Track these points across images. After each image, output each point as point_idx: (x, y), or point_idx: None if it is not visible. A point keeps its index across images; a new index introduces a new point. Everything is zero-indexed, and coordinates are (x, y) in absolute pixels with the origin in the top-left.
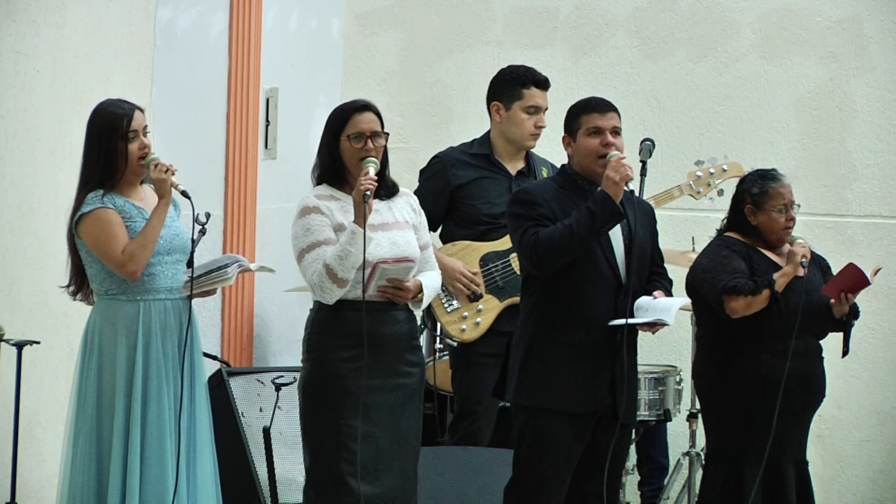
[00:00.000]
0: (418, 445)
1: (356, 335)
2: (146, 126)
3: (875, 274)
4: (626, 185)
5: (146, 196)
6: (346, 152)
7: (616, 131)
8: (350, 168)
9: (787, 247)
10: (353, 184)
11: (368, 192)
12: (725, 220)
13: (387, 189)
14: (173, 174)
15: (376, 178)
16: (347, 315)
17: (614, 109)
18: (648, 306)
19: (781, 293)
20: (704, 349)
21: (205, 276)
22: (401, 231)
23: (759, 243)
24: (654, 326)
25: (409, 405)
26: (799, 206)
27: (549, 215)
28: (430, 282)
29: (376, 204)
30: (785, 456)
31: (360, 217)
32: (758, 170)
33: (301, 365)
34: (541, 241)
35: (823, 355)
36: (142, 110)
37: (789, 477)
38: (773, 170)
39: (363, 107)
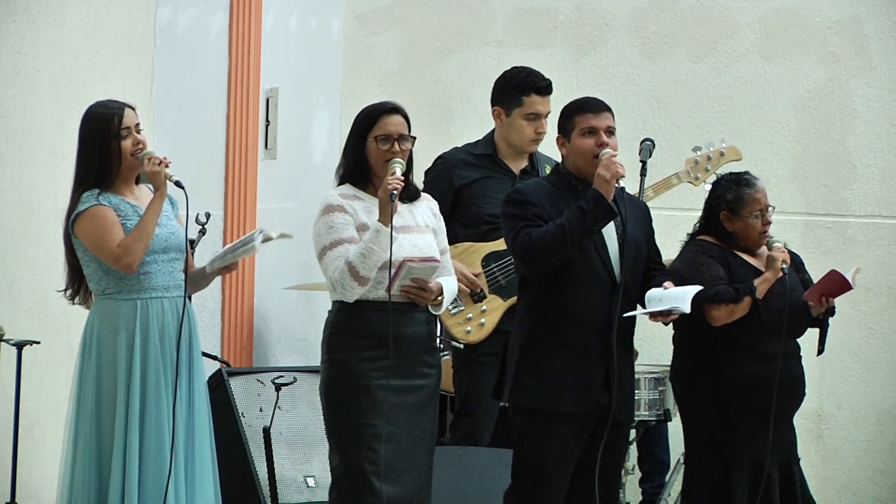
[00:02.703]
0: (434, 446)
1: (376, 335)
2: (138, 123)
3: (855, 276)
4: (618, 182)
5: (142, 195)
6: (372, 153)
7: (610, 131)
8: (375, 169)
9: (763, 249)
10: (378, 185)
11: (395, 192)
12: (698, 224)
13: (409, 193)
14: (167, 166)
15: (403, 178)
16: (368, 315)
17: (608, 109)
18: (661, 296)
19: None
20: (683, 354)
21: (230, 253)
22: (422, 234)
23: (735, 247)
24: (668, 316)
25: (426, 406)
26: (773, 207)
27: (542, 215)
28: (449, 286)
29: (399, 206)
30: (771, 459)
31: (386, 216)
32: (731, 174)
33: (321, 365)
34: (534, 241)
35: (801, 355)
36: (132, 108)
37: (773, 479)
38: (746, 174)
39: (392, 109)
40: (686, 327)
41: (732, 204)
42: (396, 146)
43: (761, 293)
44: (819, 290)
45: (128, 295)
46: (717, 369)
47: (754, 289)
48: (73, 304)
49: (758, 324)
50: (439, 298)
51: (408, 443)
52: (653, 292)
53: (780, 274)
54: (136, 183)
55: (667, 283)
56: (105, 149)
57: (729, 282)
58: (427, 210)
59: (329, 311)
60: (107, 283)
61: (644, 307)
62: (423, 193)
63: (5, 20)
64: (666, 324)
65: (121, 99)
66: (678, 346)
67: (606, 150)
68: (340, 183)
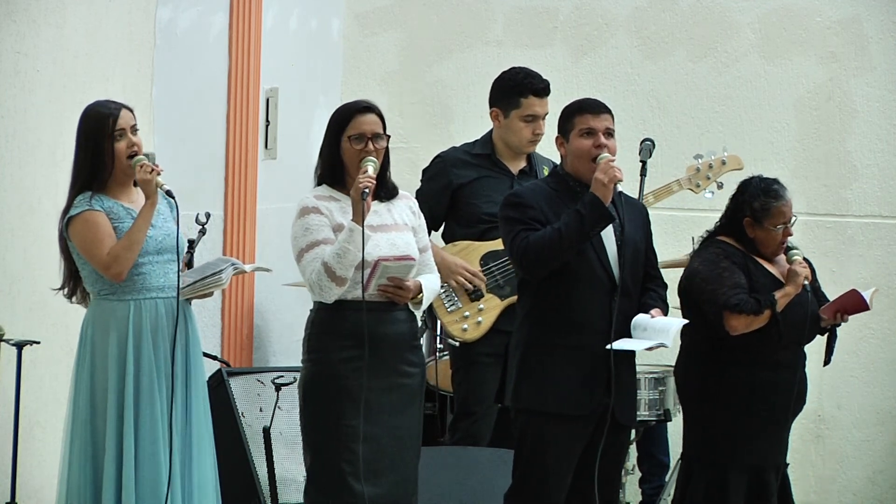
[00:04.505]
0: (419, 446)
1: (356, 335)
2: (134, 125)
3: (873, 297)
4: (616, 186)
5: (138, 198)
6: (346, 153)
7: (609, 133)
8: (350, 169)
9: (782, 257)
10: (352, 184)
11: (367, 190)
12: (718, 224)
13: (387, 191)
14: (158, 174)
15: (375, 177)
16: (347, 315)
17: (608, 111)
18: (647, 325)
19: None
20: (693, 356)
21: (199, 281)
22: (399, 233)
23: (754, 252)
24: (649, 349)
25: (409, 405)
26: (796, 218)
27: (540, 218)
28: (430, 283)
29: (375, 205)
30: (769, 464)
31: (359, 215)
32: (761, 180)
33: (301, 364)
34: (531, 245)
35: (806, 362)
36: (129, 109)
37: (772, 484)
38: (776, 183)
39: (365, 108)
40: (698, 331)
41: (758, 213)
42: (370, 145)
43: (781, 307)
44: (835, 308)
45: (122, 296)
46: (724, 372)
47: (775, 302)
48: (71, 302)
49: (776, 335)
50: (419, 296)
51: (389, 443)
52: (639, 319)
53: (801, 289)
54: (135, 185)
55: (654, 312)
56: (98, 150)
57: (749, 289)
58: (405, 208)
59: (310, 311)
60: (102, 284)
61: (642, 310)
62: (401, 192)
63: (5, 20)
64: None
65: (121, 99)
66: (686, 346)
67: (604, 154)
68: (318, 184)
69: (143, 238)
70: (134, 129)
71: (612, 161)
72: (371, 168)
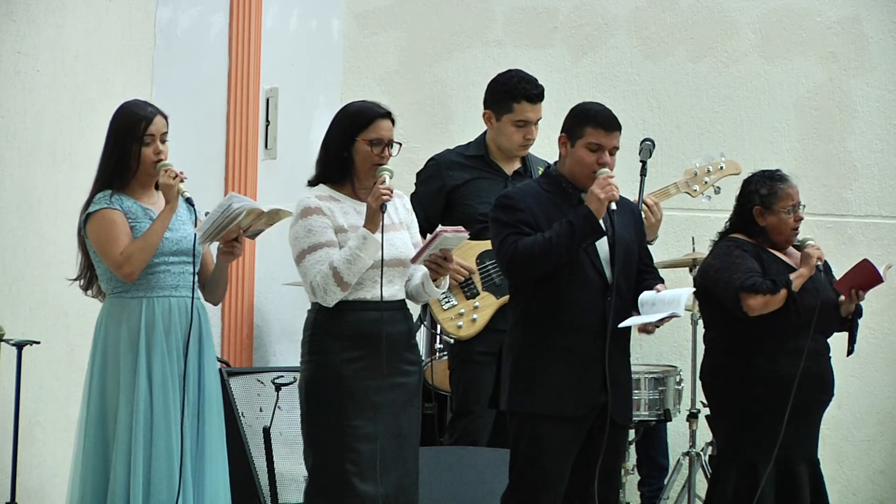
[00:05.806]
0: (418, 443)
1: (357, 335)
2: (165, 132)
3: (886, 271)
4: (610, 204)
5: (158, 199)
6: (360, 154)
7: (614, 150)
8: (360, 170)
9: (793, 250)
10: (358, 186)
11: (386, 204)
12: (729, 223)
13: None
14: (182, 181)
15: (392, 189)
16: (348, 315)
17: (619, 128)
18: (654, 300)
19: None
20: (716, 351)
21: (214, 223)
22: (396, 232)
23: (766, 244)
24: (660, 322)
25: (409, 404)
26: (804, 206)
27: (529, 221)
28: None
29: None
30: (798, 455)
31: (375, 225)
32: (763, 171)
33: (300, 366)
34: (519, 251)
35: (831, 354)
36: (164, 116)
37: (802, 476)
38: (779, 171)
39: (387, 113)
40: (718, 325)
41: (766, 198)
42: (387, 151)
43: (796, 287)
44: (849, 281)
45: (136, 293)
46: (751, 366)
47: (791, 282)
48: (87, 295)
49: (794, 317)
50: (442, 280)
51: (391, 441)
52: (645, 296)
53: (815, 271)
54: (156, 188)
55: (659, 286)
56: (125, 150)
57: (764, 276)
58: (400, 206)
59: (308, 311)
60: (116, 282)
61: (637, 310)
62: (394, 190)
63: (5, 20)
64: (650, 332)
65: (121, 99)
66: (709, 346)
67: (604, 168)
68: (316, 181)
69: (158, 241)
70: (164, 137)
71: (611, 177)
72: (388, 178)
